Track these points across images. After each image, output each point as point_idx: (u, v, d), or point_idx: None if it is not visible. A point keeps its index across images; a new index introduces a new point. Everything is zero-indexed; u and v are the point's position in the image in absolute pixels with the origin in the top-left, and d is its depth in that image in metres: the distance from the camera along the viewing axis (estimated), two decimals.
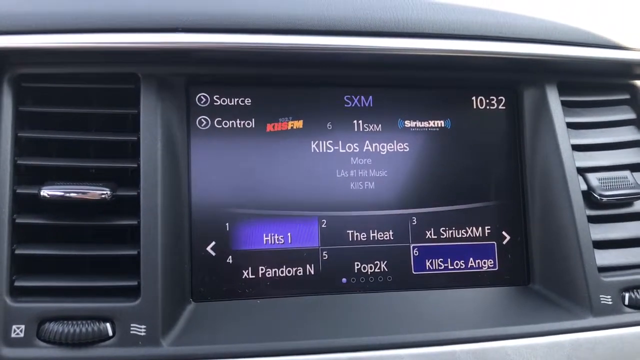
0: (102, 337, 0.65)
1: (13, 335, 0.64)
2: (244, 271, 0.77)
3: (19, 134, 0.70)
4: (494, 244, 0.83)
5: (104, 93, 0.74)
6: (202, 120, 0.78)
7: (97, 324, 0.65)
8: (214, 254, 0.76)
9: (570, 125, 0.83)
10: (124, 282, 0.67)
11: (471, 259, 0.82)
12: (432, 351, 0.69)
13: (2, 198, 0.68)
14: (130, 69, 0.73)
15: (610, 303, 0.76)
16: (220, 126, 0.78)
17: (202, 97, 0.78)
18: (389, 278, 0.80)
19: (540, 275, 0.81)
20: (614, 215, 0.81)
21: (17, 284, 0.66)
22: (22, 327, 0.64)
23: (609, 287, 0.77)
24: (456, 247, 0.82)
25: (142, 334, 0.65)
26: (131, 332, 0.65)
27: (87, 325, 0.65)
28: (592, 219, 0.79)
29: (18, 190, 0.68)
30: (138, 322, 0.65)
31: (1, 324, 0.64)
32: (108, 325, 0.65)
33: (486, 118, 0.85)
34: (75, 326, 0.64)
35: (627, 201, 0.81)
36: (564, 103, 0.84)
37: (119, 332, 0.65)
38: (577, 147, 0.83)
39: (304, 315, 0.74)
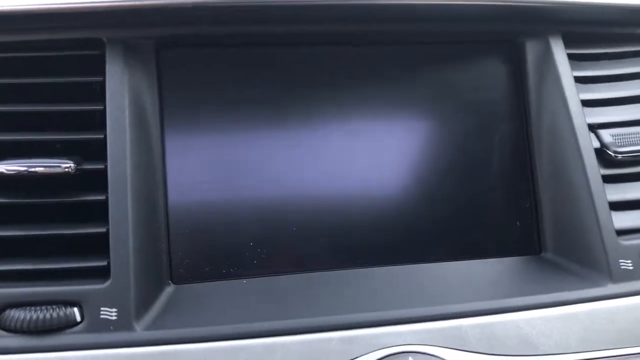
0: (70, 323, 0.59)
1: None
2: (227, 249, 0.70)
3: None
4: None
5: (65, 61, 0.68)
6: (176, 88, 0.71)
7: (64, 308, 0.59)
8: (193, 231, 0.69)
9: (578, 80, 0.77)
10: (92, 262, 0.61)
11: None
12: (435, 326, 0.62)
13: None
14: (94, 34, 0.67)
15: (631, 268, 0.69)
16: (196, 94, 0.72)
17: (173, 62, 0.72)
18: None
19: (553, 243, 0.75)
20: (631, 174, 0.75)
21: None
22: None
23: (629, 251, 0.70)
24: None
25: (113, 318, 0.59)
26: (101, 316, 0.59)
27: (52, 311, 0.59)
28: (607, 179, 0.73)
29: None
30: (108, 306, 0.60)
31: None
32: (75, 309, 0.59)
33: (487, 74, 0.78)
34: (40, 312, 0.59)
35: None
36: (570, 56, 0.78)
37: (88, 317, 0.59)
38: (586, 103, 0.76)
39: (292, 293, 0.67)
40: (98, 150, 0.65)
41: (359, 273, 0.70)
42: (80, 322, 0.59)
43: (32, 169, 0.62)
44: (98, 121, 0.66)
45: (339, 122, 0.73)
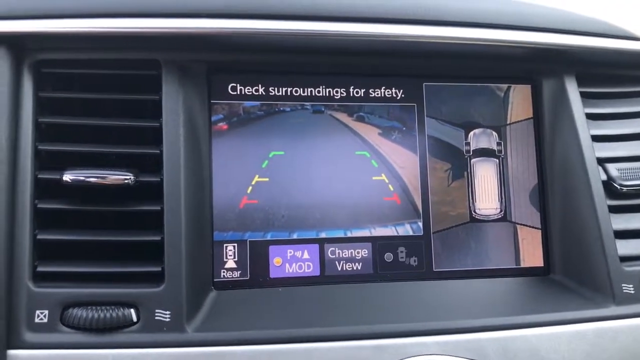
0: (127, 323, 0.64)
1: (37, 320, 0.63)
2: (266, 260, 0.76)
3: (39, 120, 0.70)
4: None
5: (125, 79, 0.73)
6: (224, 107, 0.77)
7: (122, 309, 0.64)
8: (235, 242, 0.75)
9: (589, 116, 0.83)
10: (148, 267, 0.67)
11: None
12: (459, 338, 0.68)
13: (23, 183, 0.67)
14: (151, 55, 0.73)
15: (632, 292, 0.76)
16: (242, 115, 0.77)
17: (222, 84, 0.77)
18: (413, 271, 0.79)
19: (561, 266, 0.81)
20: (635, 205, 0.81)
21: (39, 269, 0.65)
22: (46, 312, 0.63)
23: (631, 276, 0.76)
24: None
25: (167, 319, 0.64)
26: (156, 317, 0.64)
27: (111, 311, 0.64)
28: (613, 209, 0.79)
29: (39, 176, 0.68)
30: (162, 308, 0.65)
31: (24, 310, 0.63)
32: (132, 311, 0.64)
33: (506, 109, 0.85)
34: (100, 312, 0.64)
35: None
36: (582, 94, 0.84)
37: (144, 318, 0.64)
38: (596, 138, 0.83)
39: (326, 303, 0.73)
40: (153, 163, 0.70)
41: (388, 287, 0.76)
42: (137, 322, 0.64)
43: (96, 179, 0.67)
44: (154, 136, 0.71)
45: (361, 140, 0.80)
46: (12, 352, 0.61)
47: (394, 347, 0.67)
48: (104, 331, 0.63)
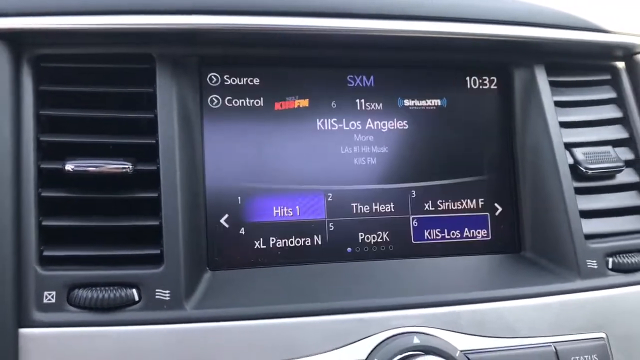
0: (129, 302, 0.68)
1: (45, 301, 0.67)
2: (255, 242, 0.81)
3: (40, 112, 0.73)
4: (487, 215, 0.88)
5: (120, 73, 0.77)
6: (214, 99, 0.81)
7: (124, 289, 0.69)
8: (227, 225, 0.80)
9: (557, 104, 0.89)
10: (148, 250, 0.71)
11: (466, 229, 0.88)
12: (437, 312, 0.74)
13: (27, 173, 0.71)
14: (145, 50, 0.77)
15: (596, 267, 0.82)
16: (231, 105, 0.82)
17: (213, 76, 0.82)
18: (391, 247, 0.85)
19: (531, 244, 0.87)
20: (598, 187, 0.88)
21: (45, 253, 0.69)
22: (53, 293, 0.67)
23: (595, 253, 0.83)
24: (452, 218, 0.87)
25: (167, 298, 0.69)
26: (156, 297, 0.69)
27: (114, 291, 0.68)
28: (579, 191, 0.85)
29: (42, 166, 0.72)
30: (162, 288, 0.69)
31: (33, 291, 0.67)
32: (134, 290, 0.69)
33: (479, 97, 0.90)
34: (104, 292, 0.68)
35: (610, 174, 0.88)
36: (551, 83, 0.90)
37: (145, 297, 0.69)
38: (564, 124, 0.88)
39: (314, 281, 0.78)
40: (149, 153, 0.74)
41: (371, 265, 0.82)
42: (138, 301, 0.69)
43: (96, 168, 0.71)
44: (149, 127, 0.75)
45: (350, 128, 0.85)
46: (23, 331, 0.66)
47: (378, 320, 0.72)
48: (108, 310, 0.68)
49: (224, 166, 0.81)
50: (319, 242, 0.83)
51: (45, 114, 0.74)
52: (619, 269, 0.83)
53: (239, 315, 0.70)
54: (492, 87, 0.91)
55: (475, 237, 0.88)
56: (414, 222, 0.86)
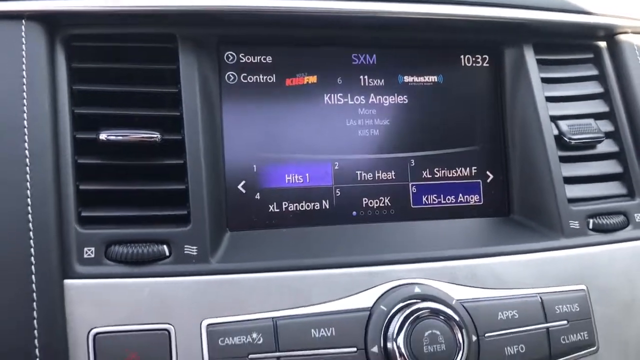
0: (161, 257, 0.76)
1: (85, 256, 0.75)
2: (270, 206, 0.89)
3: (73, 87, 0.80)
4: (479, 182, 0.97)
5: (145, 51, 0.84)
6: (231, 75, 0.89)
7: (156, 245, 0.76)
8: (244, 191, 0.88)
9: (544, 80, 0.97)
10: (176, 211, 0.79)
11: (460, 194, 0.96)
12: (435, 266, 0.83)
13: (64, 142, 0.78)
14: (169, 30, 0.84)
15: (577, 227, 0.91)
16: (246, 81, 0.90)
17: (230, 55, 0.89)
18: (392, 211, 0.93)
19: (519, 207, 0.96)
20: (581, 156, 0.96)
21: (83, 214, 0.77)
22: (92, 249, 0.75)
23: (577, 215, 0.91)
24: (447, 185, 0.96)
25: (194, 253, 0.77)
26: (185, 252, 0.77)
27: (147, 247, 0.76)
28: (563, 159, 0.94)
29: (77, 136, 0.79)
30: (190, 244, 0.77)
31: (75, 248, 0.75)
32: (165, 247, 0.77)
33: (473, 74, 0.98)
34: (137, 248, 0.76)
35: (591, 144, 0.96)
36: (539, 61, 0.98)
37: (175, 252, 0.77)
38: (550, 99, 0.97)
39: (323, 240, 0.87)
40: (173, 125, 0.82)
41: (374, 227, 0.91)
42: (169, 256, 0.77)
43: (128, 137, 0.79)
44: (172, 101, 0.83)
45: (355, 102, 0.93)
46: (67, 282, 0.73)
47: (383, 273, 0.81)
48: (142, 263, 0.76)
49: (241, 137, 0.88)
50: (327, 207, 0.91)
51: (78, 89, 0.81)
52: (598, 229, 0.92)
53: (257, 269, 0.78)
54: (485, 64, 0.99)
55: (469, 202, 0.96)
56: (413, 188, 0.94)
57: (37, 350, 0.70)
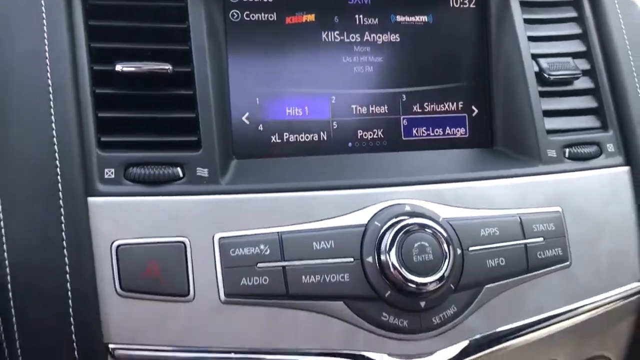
0: (175, 178, 0.83)
1: (106, 176, 0.82)
2: (272, 136, 0.96)
3: (89, 22, 0.86)
4: (465, 115, 1.05)
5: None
6: (234, 13, 0.95)
7: (170, 168, 0.83)
8: (248, 122, 0.95)
9: (526, 21, 1.04)
10: (188, 137, 0.86)
11: (447, 127, 1.04)
12: (424, 188, 0.90)
13: (83, 74, 0.84)
14: None
15: (555, 156, 0.99)
16: (249, 19, 0.96)
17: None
18: (384, 143, 1.01)
19: (502, 139, 1.04)
20: (559, 91, 1.04)
21: (103, 139, 0.84)
22: (112, 170, 0.82)
23: (554, 144, 0.99)
24: (436, 119, 1.03)
25: (206, 175, 0.84)
26: (197, 174, 0.84)
27: (162, 169, 0.83)
28: (543, 94, 1.01)
29: (95, 67, 0.85)
30: (202, 166, 0.84)
31: (96, 169, 0.81)
32: (179, 169, 0.83)
33: (461, 14, 1.05)
34: (153, 169, 0.83)
35: (569, 80, 1.04)
36: (522, 3, 1.04)
37: (188, 174, 0.84)
38: (531, 38, 1.04)
39: (322, 167, 0.94)
40: (182, 58, 0.88)
41: (368, 156, 0.98)
42: (182, 177, 0.83)
43: (142, 68, 0.85)
44: (181, 36, 0.89)
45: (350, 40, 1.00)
46: (90, 199, 0.80)
47: (375, 194, 0.88)
48: (158, 184, 0.82)
49: (244, 72, 0.95)
50: (325, 138, 0.98)
51: (93, 24, 0.87)
52: (573, 157, 1.00)
53: (263, 189, 0.85)
54: (472, 5, 1.05)
55: (455, 135, 1.04)
56: (404, 121, 1.02)
57: (66, 259, 0.77)
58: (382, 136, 1.01)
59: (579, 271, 0.95)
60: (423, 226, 0.84)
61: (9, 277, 0.77)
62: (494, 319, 0.90)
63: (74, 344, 0.77)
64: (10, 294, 0.78)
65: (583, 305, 0.96)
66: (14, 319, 0.78)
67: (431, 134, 1.03)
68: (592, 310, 0.97)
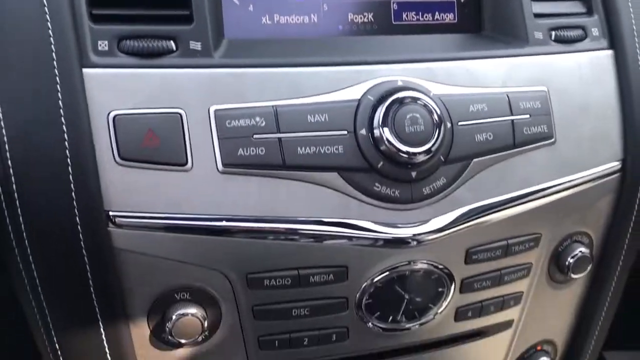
0: (168, 50, 0.83)
1: (99, 48, 0.81)
2: (262, 17, 0.96)
3: None
4: (454, 1, 1.05)
5: None
6: None
7: (164, 41, 0.83)
8: (237, 2, 0.95)
9: None
10: (180, 11, 0.85)
11: (437, 12, 1.05)
12: (416, 66, 0.91)
13: None
14: None
15: (541, 38, 1.00)
16: None
17: None
18: (375, 26, 1.01)
19: (490, 24, 1.05)
20: None
21: (94, 12, 0.83)
22: (106, 42, 0.82)
23: (541, 26, 1.01)
24: (425, 3, 1.04)
25: (199, 49, 0.84)
26: (190, 47, 0.84)
27: (156, 42, 0.83)
28: None
29: None
30: (194, 40, 0.84)
31: (90, 41, 0.81)
32: (172, 42, 0.83)
33: None
34: (147, 42, 0.82)
35: None
36: None
37: (181, 47, 0.84)
38: None
39: (313, 47, 0.95)
40: None
41: (359, 39, 0.99)
42: (176, 50, 0.83)
43: None
44: None
45: None
46: (85, 70, 0.80)
47: (368, 71, 0.90)
48: (151, 56, 0.82)
49: None
50: (315, 20, 0.98)
51: None
52: (559, 40, 1.02)
53: (256, 64, 0.86)
54: None
55: (444, 20, 1.05)
56: (394, 5, 1.02)
57: (64, 127, 0.77)
58: (372, 20, 1.01)
59: (563, 148, 0.99)
60: (415, 99, 0.86)
61: (8, 153, 0.78)
62: (482, 191, 0.94)
63: (75, 210, 0.79)
64: (11, 170, 0.78)
65: (566, 182, 0.99)
66: (15, 194, 0.79)
67: (420, 19, 1.04)
68: (575, 188, 1.00)
